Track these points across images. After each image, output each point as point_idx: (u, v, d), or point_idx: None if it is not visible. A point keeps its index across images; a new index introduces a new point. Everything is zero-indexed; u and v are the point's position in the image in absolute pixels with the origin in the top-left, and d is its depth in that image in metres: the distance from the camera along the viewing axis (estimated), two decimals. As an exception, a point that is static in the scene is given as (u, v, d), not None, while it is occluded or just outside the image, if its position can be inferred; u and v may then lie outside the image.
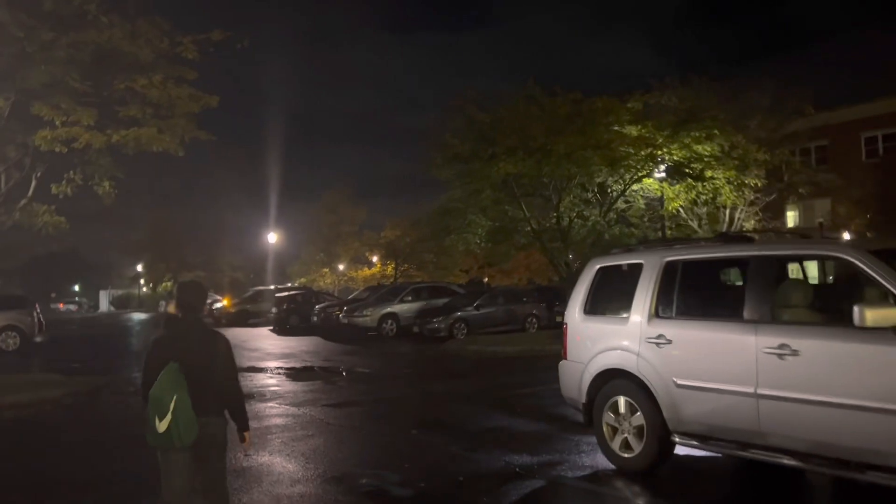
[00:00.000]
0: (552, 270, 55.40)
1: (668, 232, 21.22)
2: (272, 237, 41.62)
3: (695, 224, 23.28)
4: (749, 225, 22.50)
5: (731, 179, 18.16)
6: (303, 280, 55.52)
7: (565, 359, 7.11)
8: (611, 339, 6.51)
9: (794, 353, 5.02)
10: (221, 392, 4.10)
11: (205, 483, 4.11)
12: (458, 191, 19.12)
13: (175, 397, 3.79)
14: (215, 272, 61.39)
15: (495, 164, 17.80)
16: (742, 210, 22.11)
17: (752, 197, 20.08)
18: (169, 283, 65.45)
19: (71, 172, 12.52)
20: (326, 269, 58.55)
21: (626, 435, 6.30)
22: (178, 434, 3.81)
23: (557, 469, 6.56)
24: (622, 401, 6.34)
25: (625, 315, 6.39)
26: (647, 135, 18.27)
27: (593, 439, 7.42)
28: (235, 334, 25.43)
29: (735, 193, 18.68)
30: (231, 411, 4.20)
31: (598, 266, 7.00)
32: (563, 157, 17.19)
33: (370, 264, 58.62)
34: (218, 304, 38.02)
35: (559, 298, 26.28)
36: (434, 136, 19.62)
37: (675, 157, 17.63)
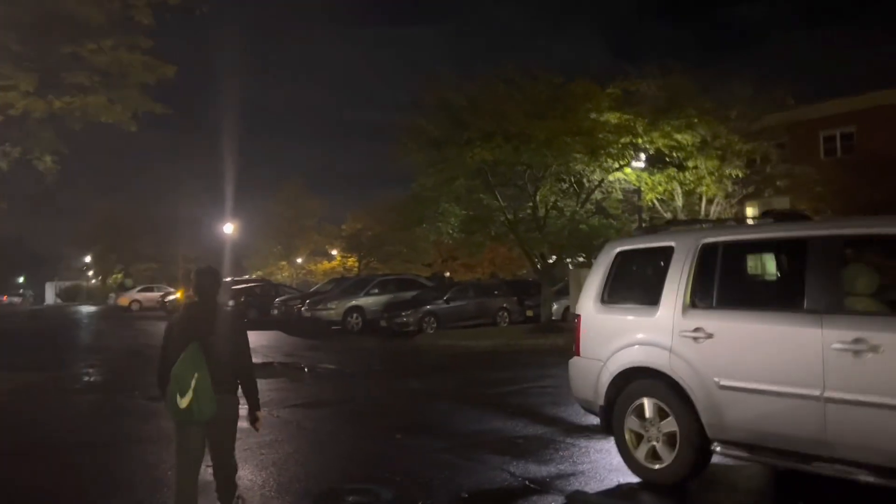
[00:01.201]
0: (517, 264, 55.04)
1: (644, 224, 20.63)
2: (229, 227, 39.98)
3: (669, 216, 22.77)
4: (725, 216, 22.07)
5: (713, 170, 17.61)
6: (260, 273, 53.97)
7: (578, 355, 6.25)
8: (635, 333, 5.68)
9: (874, 349, 4.25)
10: (236, 371, 4.34)
11: (216, 457, 4.39)
12: (431, 178, 18.17)
13: (196, 375, 4.03)
14: (169, 264, 59.33)
15: (470, 150, 16.93)
16: (718, 202, 21.67)
17: (731, 189, 19.58)
18: (120, 275, 63.07)
19: (7, 145, 11.22)
20: (284, 262, 57.14)
21: (653, 443, 5.48)
22: (199, 409, 4.05)
23: (573, 482, 5.70)
24: (649, 404, 5.52)
25: (652, 305, 5.56)
26: (628, 122, 17.61)
27: (603, 445, 6.64)
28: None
29: (716, 185, 18.14)
30: (245, 390, 4.41)
31: (617, 250, 6.16)
32: (543, 143, 16.40)
33: (330, 257, 57.38)
34: (171, 297, 36.44)
35: (528, 292, 25.70)
36: (406, 119, 18.65)
37: (657, 146, 16.98)
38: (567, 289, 22.81)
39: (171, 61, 11.81)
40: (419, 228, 20.17)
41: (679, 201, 21.69)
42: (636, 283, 6.06)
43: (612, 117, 17.61)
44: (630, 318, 5.81)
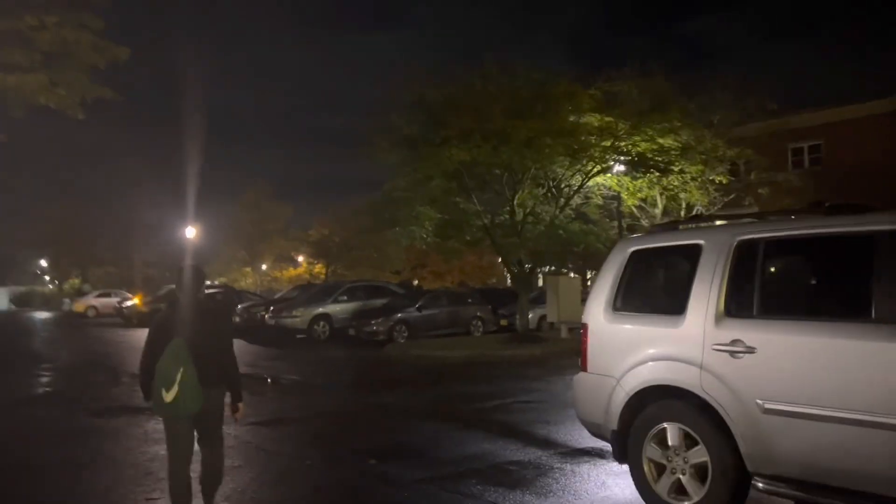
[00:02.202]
0: (487, 273, 54.23)
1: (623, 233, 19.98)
2: (191, 231, 38.55)
3: (646, 223, 22.19)
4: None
5: (697, 175, 16.99)
6: (223, 279, 52.40)
7: (585, 371, 5.41)
8: (656, 346, 4.85)
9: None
10: (221, 365, 4.40)
11: (204, 447, 4.48)
12: (405, 178, 17.25)
13: (182, 370, 4.10)
14: (127, 269, 57.42)
15: (447, 150, 16.07)
16: (699, 210, 21.14)
17: (713, 196, 19.03)
18: (77, 280, 60.79)
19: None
20: (248, 269, 55.70)
21: (678, 475, 4.65)
22: (185, 404, 4.14)
23: (584, 521, 4.83)
24: (673, 429, 4.68)
25: (677, 314, 4.74)
26: (609, 125, 16.93)
27: (611, 473, 5.79)
28: (146, 336, 22.81)
29: (700, 191, 17.53)
30: (229, 383, 4.48)
31: (631, 249, 5.33)
32: (524, 143, 15.61)
33: (296, 264, 56.04)
34: (129, 303, 34.84)
35: (501, 300, 24.88)
36: (378, 117, 17.71)
37: (640, 149, 16.30)
38: (543, 297, 22.09)
39: (131, 66, 10.79)
40: (391, 233, 19.20)
41: (659, 208, 21.13)
42: (655, 287, 5.25)
43: (594, 119, 16.93)
44: (649, 328, 4.98)
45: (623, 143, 16.49)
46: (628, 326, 5.12)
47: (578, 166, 17.23)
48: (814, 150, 31.55)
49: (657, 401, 4.81)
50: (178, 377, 4.09)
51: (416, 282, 43.00)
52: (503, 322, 22.91)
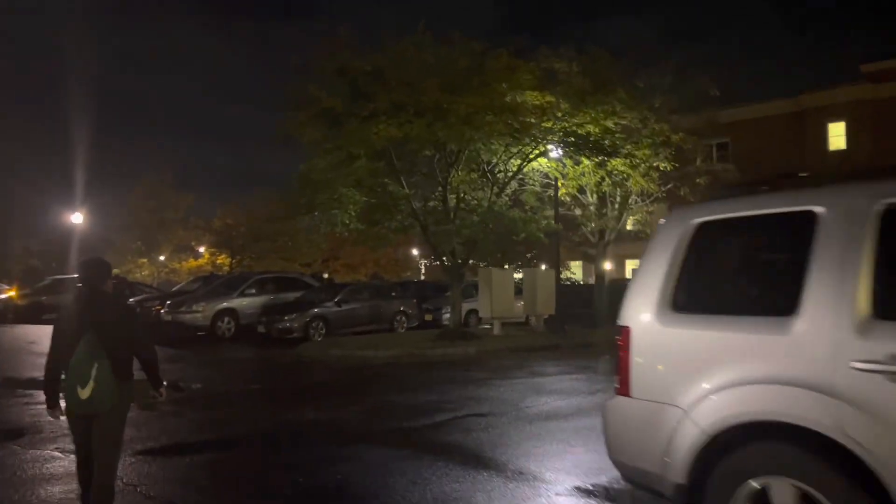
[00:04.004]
0: (402, 266, 52.47)
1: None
2: (78, 217, 34.92)
3: (578, 212, 21.09)
4: (637, 217, 20.65)
5: (644, 160, 15.85)
6: (116, 271, 48.37)
7: (626, 395, 3.79)
8: (751, 363, 3.28)
9: None
10: (133, 357, 4.36)
11: (100, 453, 4.22)
12: (326, 157, 15.24)
13: (96, 365, 4.03)
14: (7, 258, 52.20)
15: (375, 126, 14.22)
16: (634, 199, 20.18)
17: (657, 183, 18.00)
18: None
19: None
20: (145, 260, 51.78)
21: (789, 558, 3.10)
22: (101, 399, 4.06)
23: None
24: (783, 488, 3.12)
25: (784, 314, 3.19)
26: (549, 104, 15.55)
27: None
28: (23, 333, 19.81)
29: (644, 178, 16.41)
30: (147, 370, 4.47)
31: (695, 221, 3.75)
32: (462, 119, 13.96)
33: (197, 255, 52.56)
34: (3, 296, 31.02)
35: (424, 294, 23.25)
36: (295, 89, 15.63)
37: (588, 130, 14.96)
38: (469, 291, 20.62)
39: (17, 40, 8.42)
40: (309, 218, 17.12)
41: (592, 196, 20.02)
42: (741, 275, 3.68)
43: (532, 97, 15.48)
44: (737, 335, 3.40)
45: (568, 124, 15.12)
46: (701, 333, 3.53)
47: (518, 147, 15.76)
48: (721, 148, 32.46)
49: (754, 443, 3.25)
50: (94, 373, 4.02)
51: (325, 275, 40.69)
52: (428, 317, 21.35)
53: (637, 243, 28.06)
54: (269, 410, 9.28)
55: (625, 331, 3.83)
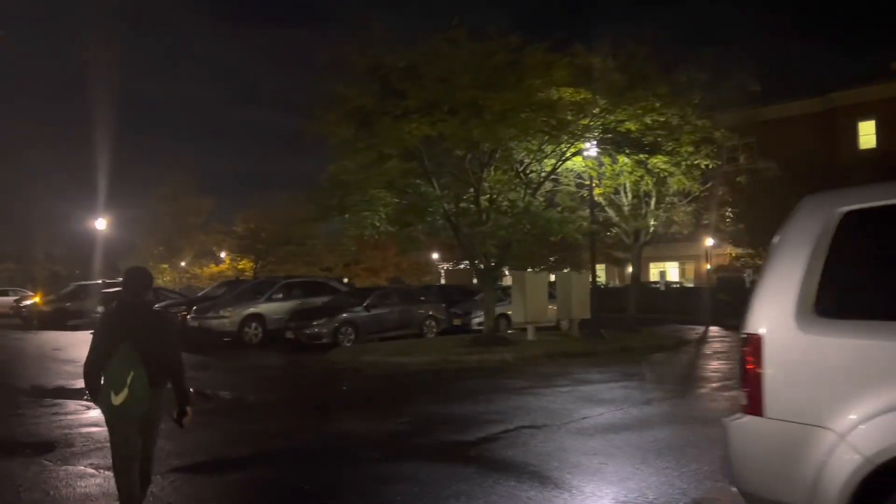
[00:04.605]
0: (424, 270, 52.03)
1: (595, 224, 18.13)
2: (101, 223, 34.78)
3: (611, 213, 20.48)
4: (676, 218, 19.98)
5: (686, 156, 15.23)
6: (139, 276, 48.27)
7: (757, 414, 3.24)
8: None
9: None
10: (167, 367, 4.32)
11: (144, 449, 4.37)
12: (356, 157, 14.77)
13: (132, 374, 4.07)
14: (30, 264, 52.32)
15: (408, 124, 13.74)
16: (670, 200, 19.52)
17: (698, 181, 17.37)
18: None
19: None
20: (166, 265, 51.72)
21: None
22: (134, 406, 4.09)
23: None
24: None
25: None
26: (586, 101, 14.99)
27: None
28: (48, 339, 19.55)
29: (686, 175, 15.79)
30: (175, 386, 4.39)
31: (841, 210, 3.20)
32: (499, 116, 13.45)
33: (218, 260, 52.44)
34: (28, 302, 30.90)
35: (453, 299, 22.69)
36: (324, 86, 15.20)
37: (628, 127, 14.38)
38: (501, 294, 20.08)
39: (38, 52, 8.05)
40: (336, 221, 16.65)
41: (629, 197, 19.41)
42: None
43: (567, 93, 14.92)
44: (908, 345, 2.84)
45: (606, 120, 14.55)
46: (858, 341, 2.97)
47: (553, 147, 15.21)
48: (748, 147, 31.89)
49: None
50: (129, 380, 4.05)
51: (346, 279, 40.27)
52: (457, 321, 20.80)
53: (658, 246, 27.47)
54: (306, 421, 8.80)
55: (754, 339, 3.28)
